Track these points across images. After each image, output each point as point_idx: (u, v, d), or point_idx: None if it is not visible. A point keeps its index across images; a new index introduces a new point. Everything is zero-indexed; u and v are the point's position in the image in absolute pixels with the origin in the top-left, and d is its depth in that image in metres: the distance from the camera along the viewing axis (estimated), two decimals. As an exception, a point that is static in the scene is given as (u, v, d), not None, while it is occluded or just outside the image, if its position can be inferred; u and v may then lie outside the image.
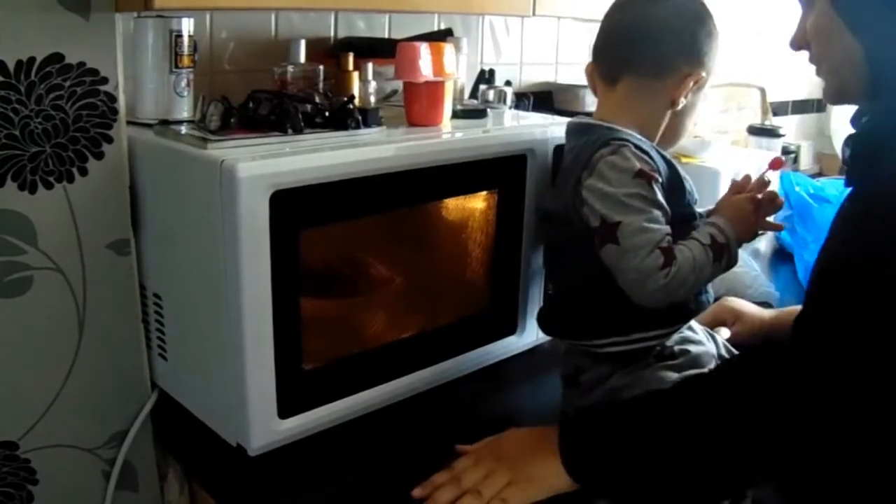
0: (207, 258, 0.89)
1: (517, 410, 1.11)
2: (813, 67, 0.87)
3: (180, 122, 1.01)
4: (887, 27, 0.77)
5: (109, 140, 0.97)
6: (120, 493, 1.08)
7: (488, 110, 1.24)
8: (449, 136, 1.08)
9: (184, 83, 1.04)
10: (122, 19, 0.96)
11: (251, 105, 0.98)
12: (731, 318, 1.21)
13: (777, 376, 0.80)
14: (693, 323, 1.04)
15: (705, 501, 0.86)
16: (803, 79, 2.48)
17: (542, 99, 1.70)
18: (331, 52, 1.32)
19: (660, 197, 0.91)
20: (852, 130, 0.84)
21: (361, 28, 1.45)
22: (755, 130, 2.07)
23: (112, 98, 0.96)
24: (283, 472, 0.93)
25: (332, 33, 1.41)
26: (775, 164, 1.05)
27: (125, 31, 0.98)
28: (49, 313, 0.97)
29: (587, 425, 0.90)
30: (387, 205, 0.99)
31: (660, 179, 0.93)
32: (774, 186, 1.61)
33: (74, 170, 0.96)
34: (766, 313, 1.23)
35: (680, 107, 0.99)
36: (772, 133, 2.05)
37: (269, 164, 0.85)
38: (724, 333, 1.16)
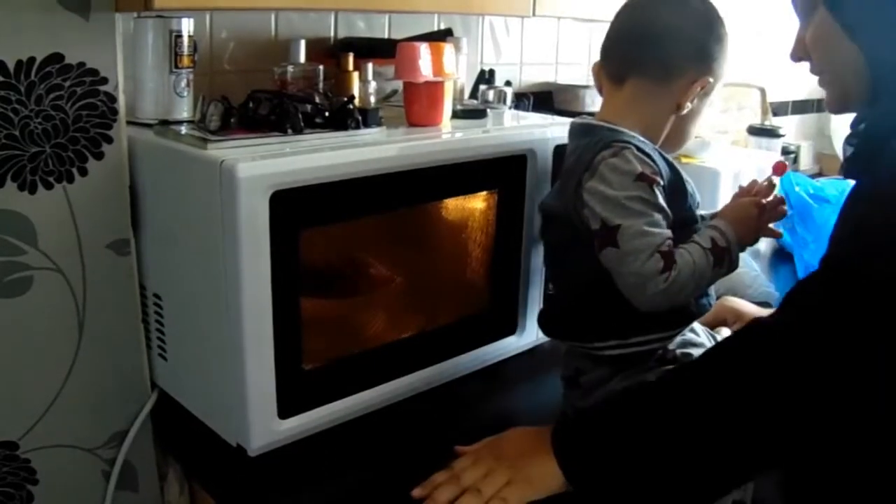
0: (207, 258, 0.89)
1: (517, 410, 1.11)
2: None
3: (180, 123, 1.01)
4: (886, 31, 0.77)
5: (109, 140, 0.98)
6: (120, 493, 1.08)
7: (488, 110, 1.24)
8: (449, 137, 1.08)
9: (184, 83, 1.04)
10: (122, 19, 0.96)
11: (251, 105, 0.98)
12: (731, 318, 1.21)
13: (769, 366, 0.79)
14: (695, 324, 1.04)
15: (703, 498, 0.86)
16: (803, 79, 2.47)
17: (541, 99, 1.70)
18: (331, 52, 1.32)
19: (661, 200, 0.91)
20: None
21: (361, 28, 1.45)
22: (755, 130, 2.07)
23: (112, 98, 0.96)
24: (283, 473, 0.93)
25: (332, 33, 1.41)
26: (779, 169, 1.05)
27: (125, 31, 0.98)
28: (49, 313, 0.97)
29: (580, 426, 0.90)
30: (387, 205, 0.99)
31: (661, 182, 0.92)
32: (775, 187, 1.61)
33: (74, 170, 0.96)
34: (766, 313, 1.23)
35: (685, 112, 0.99)
36: (772, 133, 2.05)
37: (268, 164, 0.85)
38: (724, 333, 1.15)
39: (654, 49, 0.96)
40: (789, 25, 0.89)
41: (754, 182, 1.04)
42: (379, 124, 1.02)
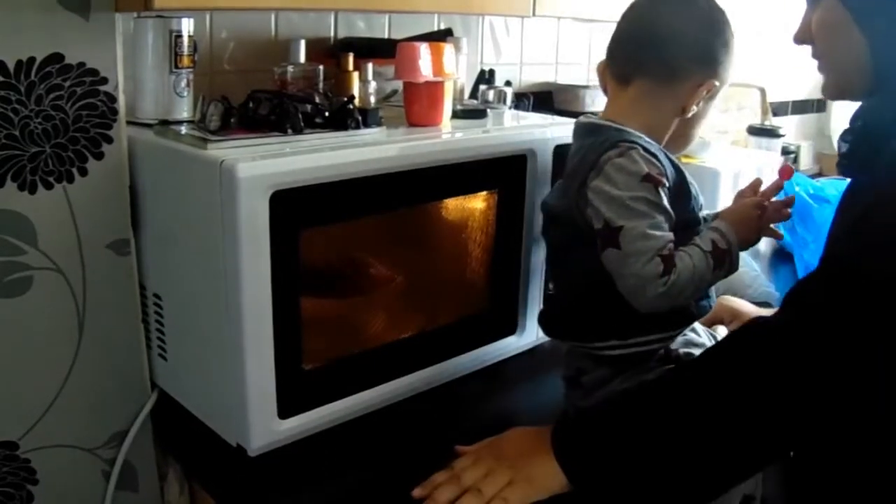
0: (207, 258, 0.89)
1: (517, 410, 1.11)
2: (813, 64, 0.87)
3: (180, 123, 1.01)
4: (892, 25, 0.77)
5: (109, 140, 0.97)
6: (120, 493, 1.08)
7: (488, 110, 1.24)
8: (449, 137, 1.08)
9: (184, 83, 1.04)
10: (122, 19, 0.96)
11: (251, 105, 0.98)
12: (728, 317, 1.21)
13: (768, 364, 0.79)
14: (696, 325, 1.04)
15: (704, 496, 0.86)
16: (803, 79, 2.48)
17: (541, 99, 1.70)
18: (331, 52, 1.32)
19: (665, 202, 0.91)
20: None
21: (361, 28, 1.45)
22: (755, 130, 2.07)
23: (112, 98, 0.96)
24: (283, 473, 0.93)
25: (332, 33, 1.41)
26: (785, 173, 1.05)
27: (125, 31, 0.98)
28: (49, 313, 0.97)
29: (580, 425, 0.90)
30: (387, 205, 0.99)
31: (667, 184, 0.92)
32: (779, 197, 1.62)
33: (74, 170, 0.96)
34: (764, 313, 1.23)
35: (690, 115, 0.99)
36: (772, 133, 2.05)
37: (268, 164, 0.85)
38: (721, 332, 1.15)
39: (660, 51, 0.96)
40: (789, 25, 0.89)
41: (758, 181, 1.03)
42: (379, 124, 1.02)
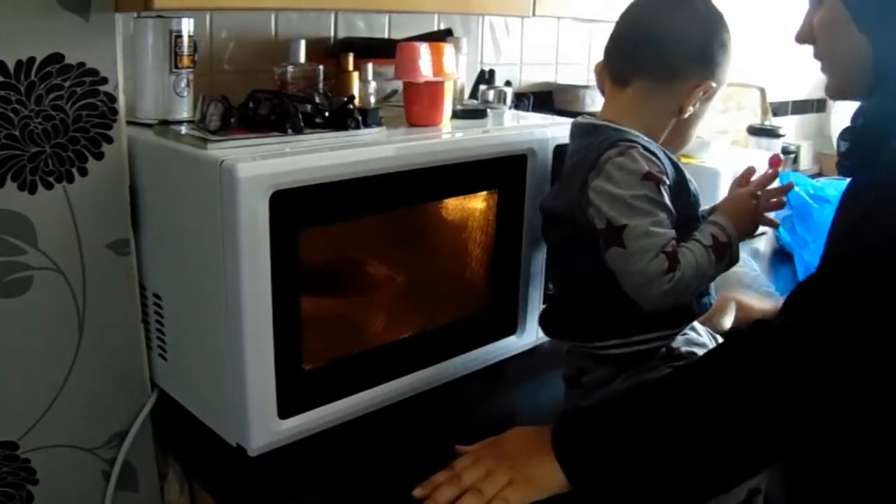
0: (207, 258, 0.89)
1: (517, 411, 1.11)
2: (814, 64, 0.87)
3: (180, 123, 1.01)
4: (894, 25, 0.77)
5: (109, 140, 0.97)
6: (120, 494, 1.08)
7: (488, 110, 1.24)
8: (449, 137, 1.08)
9: (184, 83, 1.04)
10: (122, 19, 0.96)
11: (251, 105, 0.98)
12: (728, 307, 1.21)
13: (770, 365, 0.79)
14: (696, 325, 1.04)
15: (704, 496, 0.86)
16: (803, 79, 2.48)
17: (541, 99, 1.70)
18: (331, 52, 1.32)
19: (667, 200, 0.91)
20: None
21: (361, 28, 1.45)
22: (755, 131, 2.07)
23: (112, 98, 0.96)
24: (284, 473, 0.93)
25: (332, 33, 1.41)
26: (774, 163, 1.05)
27: (125, 31, 0.98)
28: (49, 313, 0.97)
29: (581, 425, 0.90)
30: (387, 205, 0.99)
31: (667, 182, 0.92)
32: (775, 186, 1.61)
33: (74, 170, 0.96)
34: (768, 305, 1.23)
35: (686, 115, 0.99)
36: (771, 133, 2.05)
37: (268, 164, 0.85)
38: (727, 322, 1.15)
39: (657, 52, 0.96)
40: (789, 25, 0.89)
41: (750, 169, 1.04)
42: (379, 124, 1.02)
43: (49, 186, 0.94)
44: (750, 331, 0.84)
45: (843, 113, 0.87)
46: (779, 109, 2.43)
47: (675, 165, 0.96)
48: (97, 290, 1.00)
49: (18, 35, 0.88)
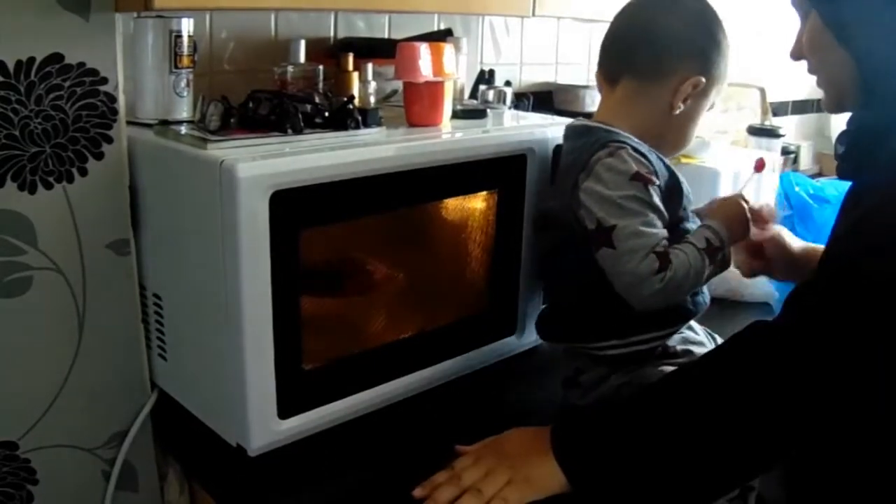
0: (207, 258, 0.89)
1: (516, 411, 1.10)
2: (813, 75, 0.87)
3: (180, 123, 1.01)
4: (877, 37, 0.77)
5: (109, 140, 0.97)
6: (120, 494, 1.08)
7: (488, 110, 1.24)
8: (449, 137, 1.08)
9: (183, 83, 1.04)
10: (122, 19, 0.96)
11: (251, 105, 0.98)
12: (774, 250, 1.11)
13: (770, 366, 0.79)
14: (693, 324, 1.04)
15: (704, 497, 0.86)
16: (803, 79, 2.47)
17: (541, 99, 1.70)
18: (331, 52, 1.32)
19: (656, 200, 0.91)
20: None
21: (361, 28, 1.45)
22: (755, 131, 2.06)
23: (112, 98, 0.96)
24: (284, 473, 0.93)
25: (331, 33, 1.41)
26: (759, 166, 1.06)
27: (125, 31, 0.98)
28: (49, 313, 0.97)
29: (580, 425, 0.90)
30: (387, 205, 0.99)
31: (657, 182, 0.92)
32: (772, 188, 1.62)
33: (74, 170, 0.96)
34: (797, 245, 1.12)
35: (678, 111, 0.99)
36: (771, 133, 2.05)
37: (268, 164, 0.85)
38: (768, 232, 1.07)
39: (643, 49, 0.97)
40: (789, 25, 0.89)
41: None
42: (379, 124, 1.02)
43: (49, 186, 0.94)
44: (749, 331, 0.84)
45: (843, 114, 0.87)
46: (779, 109, 2.43)
47: (668, 168, 0.96)
48: (97, 291, 1.00)
49: (18, 35, 0.88)
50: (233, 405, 0.91)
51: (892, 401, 0.74)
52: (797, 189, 1.68)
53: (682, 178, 0.98)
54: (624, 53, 0.99)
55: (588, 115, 1.05)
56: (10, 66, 0.88)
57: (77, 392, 1.01)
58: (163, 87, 1.03)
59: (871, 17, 0.77)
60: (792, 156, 2.34)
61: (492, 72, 1.49)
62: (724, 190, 1.65)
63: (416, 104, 1.10)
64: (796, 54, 0.87)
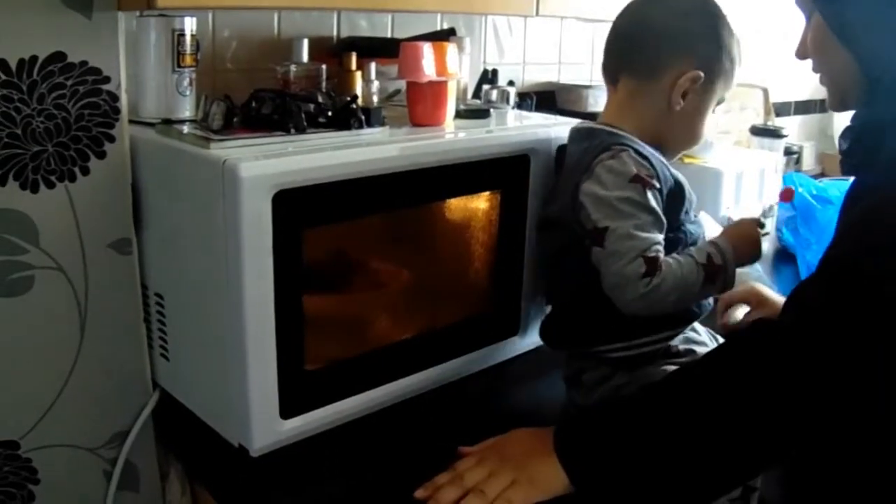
0: (210, 258, 0.89)
1: (520, 411, 1.10)
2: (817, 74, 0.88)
3: (183, 122, 1.01)
4: (878, 37, 0.77)
5: (111, 139, 0.97)
6: (121, 493, 1.08)
7: (491, 110, 1.24)
8: (452, 137, 1.08)
9: (186, 82, 1.04)
10: (125, 18, 0.96)
11: (254, 104, 0.98)
12: (754, 301, 1.19)
13: (770, 366, 0.79)
14: (696, 325, 1.04)
15: (706, 496, 0.85)
16: (806, 79, 2.47)
17: (544, 99, 1.70)
18: (334, 51, 1.32)
19: (653, 203, 0.91)
20: None
21: (364, 27, 1.44)
22: (758, 131, 2.06)
23: (114, 97, 0.96)
24: (286, 473, 0.93)
25: (334, 33, 1.41)
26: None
27: (128, 29, 0.98)
28: (50, 313, 0.97)
29: (583, 426, 0.90)
30: (390, 205, 0.99)
31: (658, 186, 0.92)
32: (775, 188, 1.61)
33: (76, 169, 0.96)
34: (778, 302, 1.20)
35: (678, 107, 0.98)
36: (774, 133, 2.05)
37: (271, 163, 0.85)
38: (740, 313, 1.14)
39: (638, 47, 0.97)
40: (791, 24, 0.89)
41: None
42: (382, 124, 1.02)
43: (51, 185, 0.94)
44: (750, 331, 0.84)
45: (845, 113, 0.87)
46: (782, 110, 2.43)
47: (673, 174, 0.96)
48: (99, 290, 1.00)
49: (20, 34, 0.88)
50: (235, 405, 0.91)
51: (892, 401, 0.74)
52: (800, 190, 1.68)
53: (685, 184, 0.98)
54: (619, 53, 1.00)
55: (591, 116, 1.05)
56: (13, 64, 0.88)
57: (79, 391, 1.01)
58: (165, 85, 1.03)
59: (873, 18, 0.78)
60: (795, 156, 2.34)
61: (495, 71, 1.49)
62: (727, 190, 1.65)
63: (420, 104, 1.09)
64: (801, 54, 0.88)
